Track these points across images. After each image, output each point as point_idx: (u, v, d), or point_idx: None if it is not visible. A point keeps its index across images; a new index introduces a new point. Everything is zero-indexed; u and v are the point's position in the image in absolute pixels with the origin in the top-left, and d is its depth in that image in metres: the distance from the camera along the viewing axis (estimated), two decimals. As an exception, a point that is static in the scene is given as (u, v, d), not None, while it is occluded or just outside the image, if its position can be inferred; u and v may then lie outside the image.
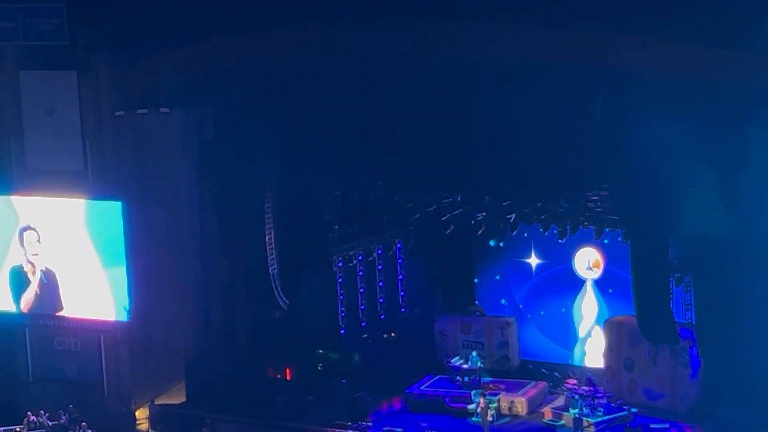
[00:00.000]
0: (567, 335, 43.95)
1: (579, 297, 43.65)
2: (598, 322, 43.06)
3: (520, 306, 44.75)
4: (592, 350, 43.43)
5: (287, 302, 43.68)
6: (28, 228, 43.43)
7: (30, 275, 43.62)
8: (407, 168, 41.23)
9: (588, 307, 43.57)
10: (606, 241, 42.08)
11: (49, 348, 44.97)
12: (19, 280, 43.79)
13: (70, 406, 42.08)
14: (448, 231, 43.43)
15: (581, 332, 43.70)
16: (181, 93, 42.50)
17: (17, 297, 43.84)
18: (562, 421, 40.26)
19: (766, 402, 37.66)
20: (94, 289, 42.79)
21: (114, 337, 43.43)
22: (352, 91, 40.13)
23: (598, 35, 36.00)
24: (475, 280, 45.73)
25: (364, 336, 46.08)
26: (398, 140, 40.36)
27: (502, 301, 45.21)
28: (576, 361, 43.84)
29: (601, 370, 42.36)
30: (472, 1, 37.46)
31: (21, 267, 43.69)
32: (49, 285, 43.39)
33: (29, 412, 41.67)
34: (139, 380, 43.88)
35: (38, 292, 43.53)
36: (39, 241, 43.33)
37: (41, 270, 43.43)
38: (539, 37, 36.90)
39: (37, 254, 43.41)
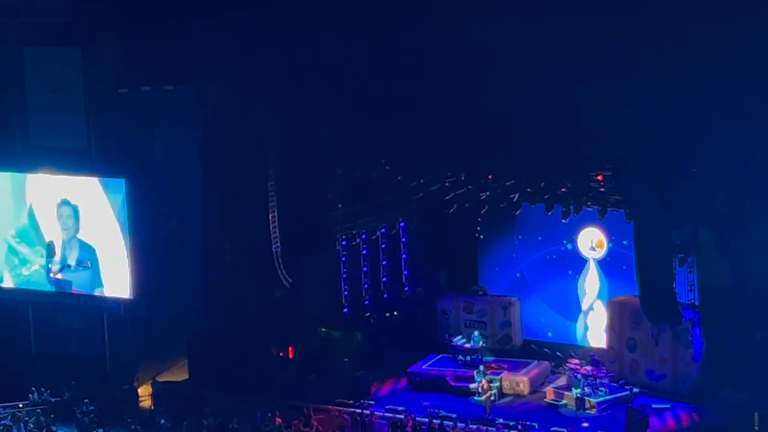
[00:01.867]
0: (571, 309, 44.03)
1: (582, 276, 43.72)
2: (600, 299, 43.24)
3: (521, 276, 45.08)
4: (594, 329, 43.56)
5: (290, 281, 43.71)
6: (64, 203, 43.45)
7: (68, 250, 43.55)
8: (410, 147, 41.21)
9: (591, 287, 43.62)
10: (609, 221, 42.08)
11: (52, 325, 45.01)
12: (50, 253, 43.82)
13: (73, 383, 42.18)
14: (452, 210, 43.40)
15: (584, 310, 43.83)
16: (185, 71, 42.46)
17: (48, 264, 43.98)
18: (564, 401, 40.36)
19: (767, 383, 37.72)
20: (116, 266, 43.05)
21: (117, 315, 43.48)
22: (355, 70, 40.09)
23: (602, 14, 36.00)
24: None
25: (366, 315, 46.21)
26: (402, 119, 40.33)
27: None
28: (578, 340, 43.90)
29: (603, 349, 42.44)
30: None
31: (52, 242, 43.64)
32: (90, 261, 43.28)
33: (33, 389, 41.82)
34: (142, 358, 43.96)
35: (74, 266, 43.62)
36: (72, 216, 43.32)
37: (78, 242, 43.40)
38: (543, 17, 36.89)
39: (70, 229, 43.40)
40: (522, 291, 44.93)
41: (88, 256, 43.29)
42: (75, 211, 43.27)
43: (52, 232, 43.67)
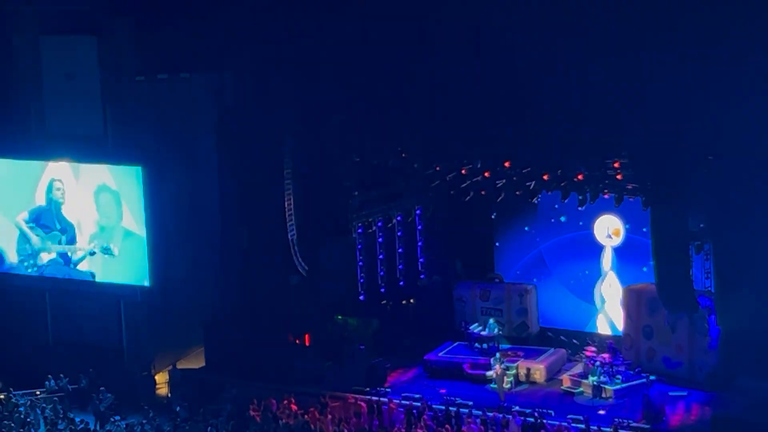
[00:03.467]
0: (587, 297, 44.00)
1: (599, 263, 43.72)
2: (617, 286, 43.19)
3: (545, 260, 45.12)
4: (611, 317, 43.54)
5: (306, 268, 43.75)
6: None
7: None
8: (427, 135, 41.15)
9: (608, 274, 43.62)
10: (626, 209, 41.98)
11: (70, 312, 45.12)
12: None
13: (90, 370, 42.32)
14: (468, 198, 43.35)
15: (601, 297, 43.81)
16: (201, 59, 42.48)
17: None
18: (581, 389, 40.31)
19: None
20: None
21: (134, 302, 43.56)
22: (371, 57, 40.02)
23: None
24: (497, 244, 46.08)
25: (383, 302, 46.21)
26: (418, 107, 40.26)
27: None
28: (595, 328, 43.84)
29: (619, 337, 42.39)
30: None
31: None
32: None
33: (50, 376, 41.95)
34: (159, 345, 44.06)
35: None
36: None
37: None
38: (560, 2, 36.81)
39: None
40: (540, 277, 44.86)
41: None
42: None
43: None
